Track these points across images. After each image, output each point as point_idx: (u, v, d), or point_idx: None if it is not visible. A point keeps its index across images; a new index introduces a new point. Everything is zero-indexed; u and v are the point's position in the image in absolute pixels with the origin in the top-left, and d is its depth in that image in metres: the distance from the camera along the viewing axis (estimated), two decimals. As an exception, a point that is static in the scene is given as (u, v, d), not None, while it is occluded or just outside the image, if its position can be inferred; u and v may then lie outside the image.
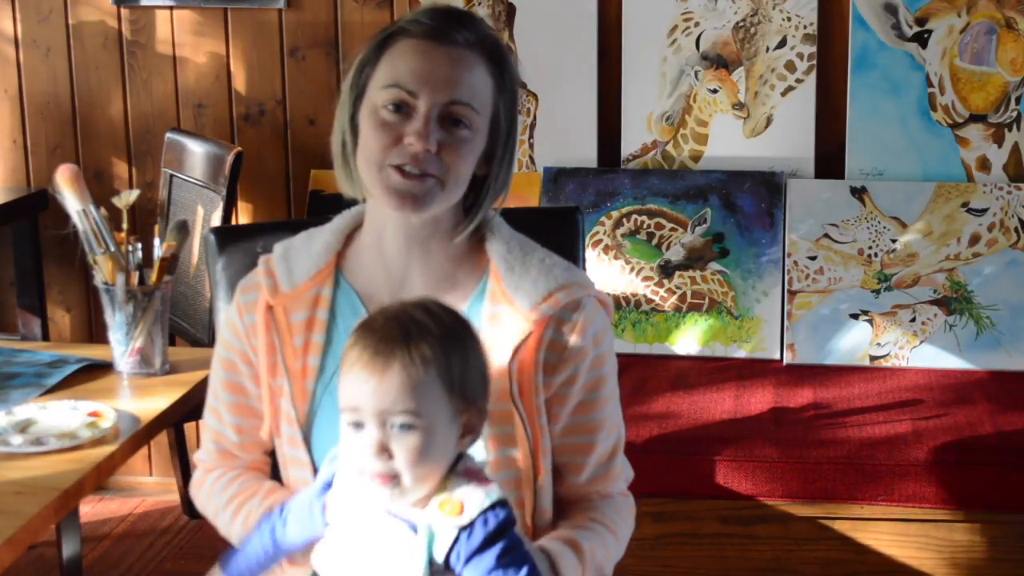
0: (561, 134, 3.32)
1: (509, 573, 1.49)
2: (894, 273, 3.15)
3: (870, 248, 3.16)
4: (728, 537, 2.69)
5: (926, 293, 3.13)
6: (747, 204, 3.21)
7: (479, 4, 3.32)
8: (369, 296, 1.73)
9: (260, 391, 1.75)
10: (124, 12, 3.49)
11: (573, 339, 1.68)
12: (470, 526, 1.48)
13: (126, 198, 2.34)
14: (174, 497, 3.61)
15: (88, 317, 3.67)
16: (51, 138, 3.58)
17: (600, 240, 3.24)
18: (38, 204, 3.46)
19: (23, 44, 3.55)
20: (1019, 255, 3.13)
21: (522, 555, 1.50)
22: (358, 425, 1.49)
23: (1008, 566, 2.64)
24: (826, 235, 3.17)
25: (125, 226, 2.31)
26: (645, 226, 3.23)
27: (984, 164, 3.19)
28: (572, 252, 2.07)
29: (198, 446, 1.86)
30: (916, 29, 3.18)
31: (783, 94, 3.24)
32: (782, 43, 3.23)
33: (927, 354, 3.11)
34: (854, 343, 3.13)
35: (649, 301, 3.21)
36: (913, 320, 3.12)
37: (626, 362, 3.10)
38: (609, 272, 3.22)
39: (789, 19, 3.22)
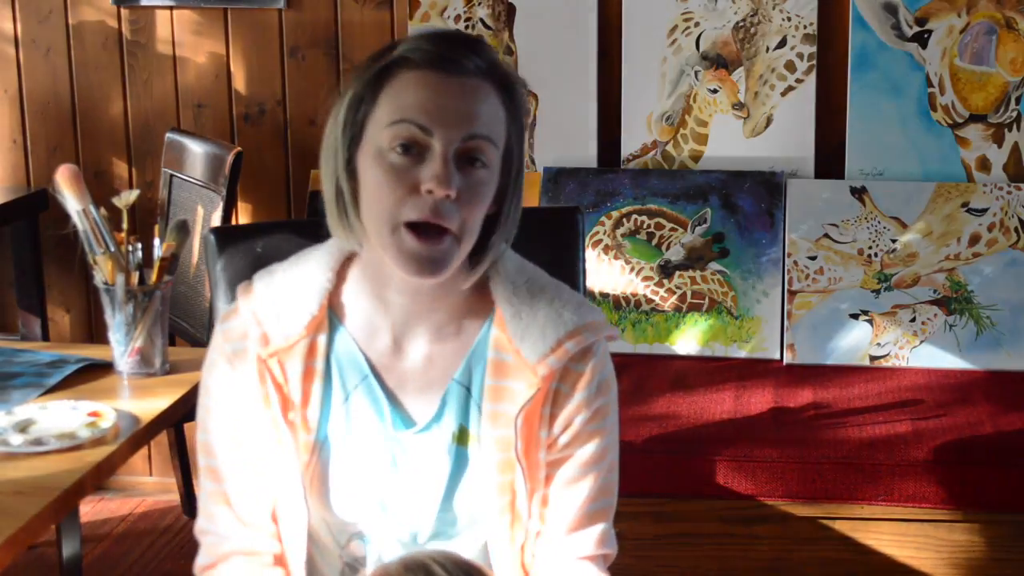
0: (561, 134, 3.32)
1: None
2: (894, 273, 3.15)
3: (870, 248, 3.15)
4: (728, 537, 2.69)
5: (926, 293, 3.13)
6: (747, 204, 3.21)
7: (479, 4, 3.31)
8: (368, 342, 1.62)
9: (267, 441, 1.61)
10: (124, 12, 3.49)
11: (578, 393, 1.60)
12: None
13: (126, 198, 2.34)
14: (174, 497, 3.61)
15: (88, 317, 3.67)
16: (51, 138, 3.58)
17: (600, 240, 3.23)
18: (38, 204, 3.46)
19: (23, 44, 3.54)
20: (1019, 255, 3.13)
21: None
22: None
23: (1008, 566, 2.64)
24: (826, 235, 3.17)
25: (125, 226, 2.31)
26: (645, 226, 3.23)
27: (984, 164, 3.19)
28: (572, 252, 2.07)
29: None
30: (916, 29, 3.18)
31: (783, 94, 3.24)
32: (782, 43, 3.23)
33: (927, 354, 3.11)
34: (854, 343, 3.13)
35: (649, 301, 3.21)
36: (913, 320, 3.12)
37: (626, 362, 3.11)
38: (609, 272, 3.22)
39: (789, 19, 3.22)
